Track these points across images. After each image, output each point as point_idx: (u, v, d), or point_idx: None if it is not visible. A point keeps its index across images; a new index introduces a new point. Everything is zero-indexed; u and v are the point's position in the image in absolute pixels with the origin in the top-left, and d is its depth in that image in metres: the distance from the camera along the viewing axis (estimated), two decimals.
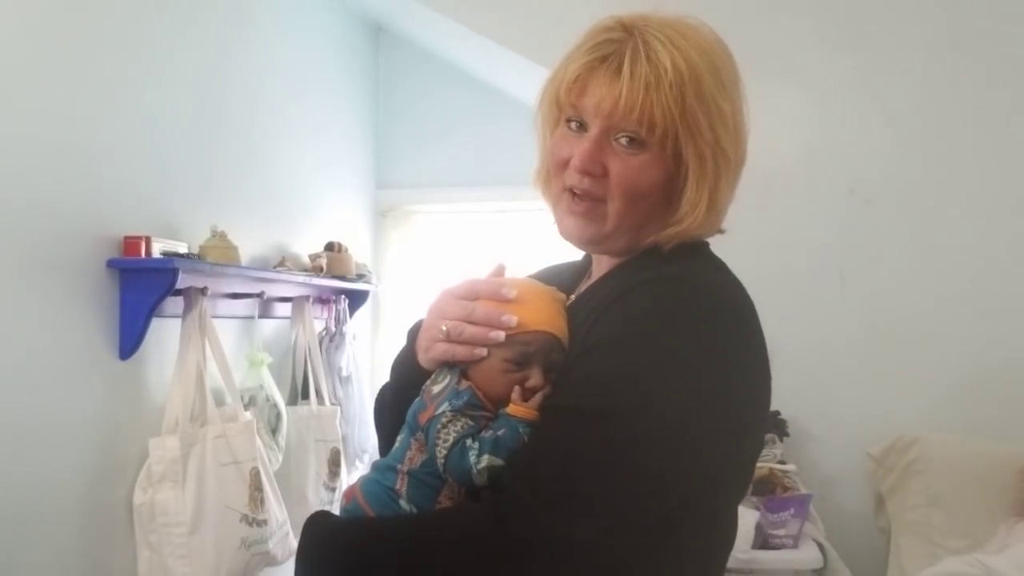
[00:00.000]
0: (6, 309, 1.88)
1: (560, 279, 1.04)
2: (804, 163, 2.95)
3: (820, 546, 2.28)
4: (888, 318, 2.89)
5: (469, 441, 0.86)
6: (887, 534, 2.73)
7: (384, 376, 1.07)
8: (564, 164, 0.94)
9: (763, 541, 2.20)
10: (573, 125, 0.94)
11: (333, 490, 2.95)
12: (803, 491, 2.38)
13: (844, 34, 2.95)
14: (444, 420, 0.88)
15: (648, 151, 0.90)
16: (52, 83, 2.01)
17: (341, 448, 3.03)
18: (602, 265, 1.01)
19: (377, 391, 1.10)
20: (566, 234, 0.96)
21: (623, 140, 0.90)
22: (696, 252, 0.96)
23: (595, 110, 0.91)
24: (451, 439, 0.86)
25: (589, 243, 0.96)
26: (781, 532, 2.22)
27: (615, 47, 0.91)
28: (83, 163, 2.09)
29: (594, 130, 0.91)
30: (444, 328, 0.92)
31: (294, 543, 2.51)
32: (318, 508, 2.84)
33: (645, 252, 0.95)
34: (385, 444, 1.02)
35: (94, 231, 2.12)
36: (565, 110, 0.94)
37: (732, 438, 0.88)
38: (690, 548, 0.90)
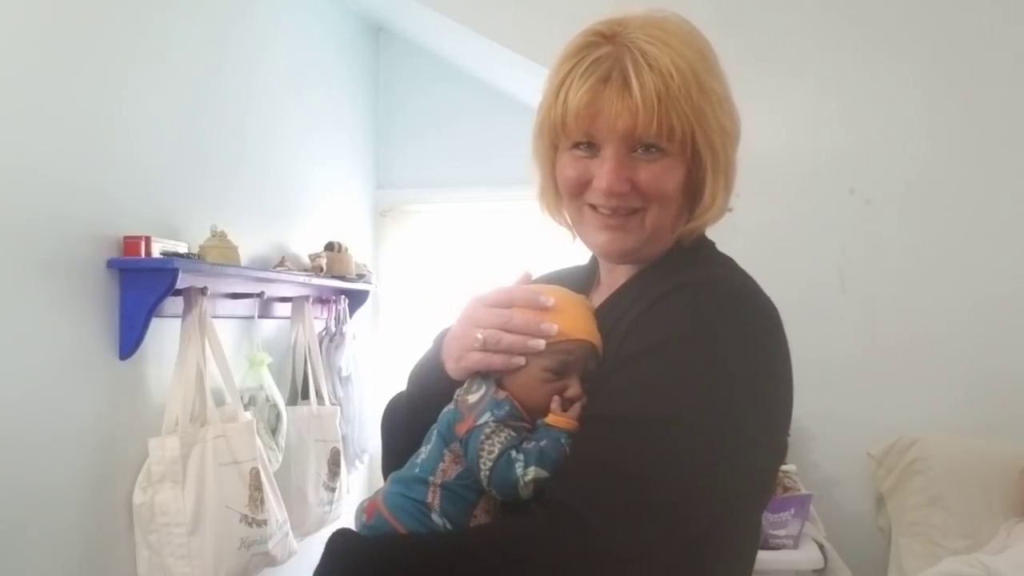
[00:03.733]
0: (6, 309, 1.88)
1: (567, 286, 1.00)
2: (804, 163, 2.95)
3: (820, 546, 2.28)
4: (888, 318, 2.89)
5: (514, 452, 0.84)
6: (887, 534, 2.73)
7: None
8: (580, 186, 0.92)
9: (763, 541, 2.20)
10: (581, 148, 0.92)
11: (333, 490, 2.95)
12: (803, 491, 2.38)
13: (844, 34, 2.95)
14: (488, 431, 0.85)
15: (668, 155, 0.90)
16: (51, 83, 2.00)
17: (341, 448, 3.02)
18: (616, 273, 0.99)
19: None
20: (601, 250, 0.95)
21: (640, 150, 0.90)
22: (712, 253, 0.97)
23: (611, 129, 0.88)
24: (496, 451, 0.84)
25: (626, 255, 0.94)
26: (781, 532, 2.22)
27: (610, 62, 0.89)
28: (83, 163, 2.09)
29: (611, 149, 0.89)
30: (480, 337, 0.89)
31: (294, 544, 2.51)
32: (318, 508, 2.86)
33: (665, 256, 0.94)
34: (394, 455, 0.98)
35: (94, 231, 2.12)
36: (572, 136, 0.92)
37: (772, 442, 0.89)
38: (733, 552, 0.90)
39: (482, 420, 0.86)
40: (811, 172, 2.95)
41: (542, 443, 0.84)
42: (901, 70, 2.91)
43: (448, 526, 0.86)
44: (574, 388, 0.88)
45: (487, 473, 0.84)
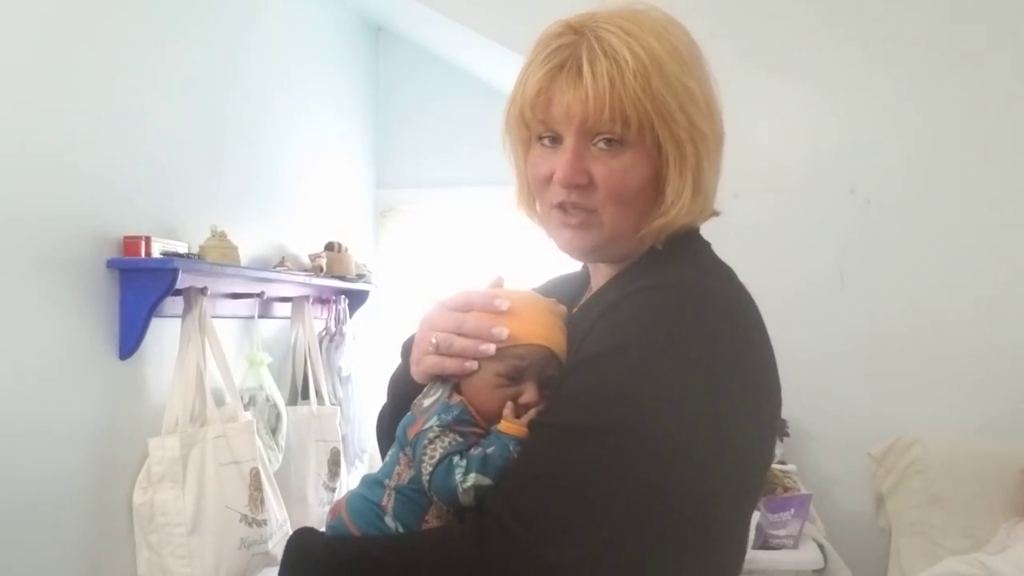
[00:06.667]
0: (6, 309, 1.88)
1: (563, 291, 1.00)
2: (804, 163, 2.95)
3: (820, 546, 2.28)
4: (888, 318, 2.89)
5: (456, 458, 0.82)
6: (887, 534, 2.74)
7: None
8: (547, 181, 0.91)
9: (763, 541, 2.20)
10: (547, 140, 0.90)
11: (333, 490, 2.95)
12: (803, 491, 2.38)
13: (844, 34, 2.95)
14: (431, 435, 0.84)
15: (629, 149, 0.87)
16: (52, 83, 2.00)
17: (341, 448, 3.03)
18: (600, 275, 0.97)
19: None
20: (565, 247, 0.93)
21: (601, 144, 0.87)
22: (696, 255, 0.93)
23: (566, 118, 0.87)
24: (437, 455, 0.83)
25: (589, 253, 0.93)
26: (781, 532, 2.21)
27: (569, 51, 0.87)
28: (83, 163, 2.09)
29: (570, 139, 0.88)
30: (434, 340, 0.88)
31: None
32: (318, 508, 2.86)
33: (643, 257, 0.92)
34: None
35: (94, 231, 2.12)
36: (534, 127, 0.91)
37: (730, 452, 0.82)
38: (690, 570, 0.86)
39: (428, 424, 0.85)
40: (811, 172, 2.95)
41: (488, 450, 0.82)
42: (901, 70, 2.92)
43: (400, 530, 0.86)
44: (529, 394, 0.85)
45: (427, 478, 0.83)
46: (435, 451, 0.83)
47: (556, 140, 0.90)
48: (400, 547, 0.84)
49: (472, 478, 0.81)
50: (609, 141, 0.87)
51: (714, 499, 0.83)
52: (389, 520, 0.86)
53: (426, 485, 0.83)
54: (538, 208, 0.96)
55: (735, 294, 0.88)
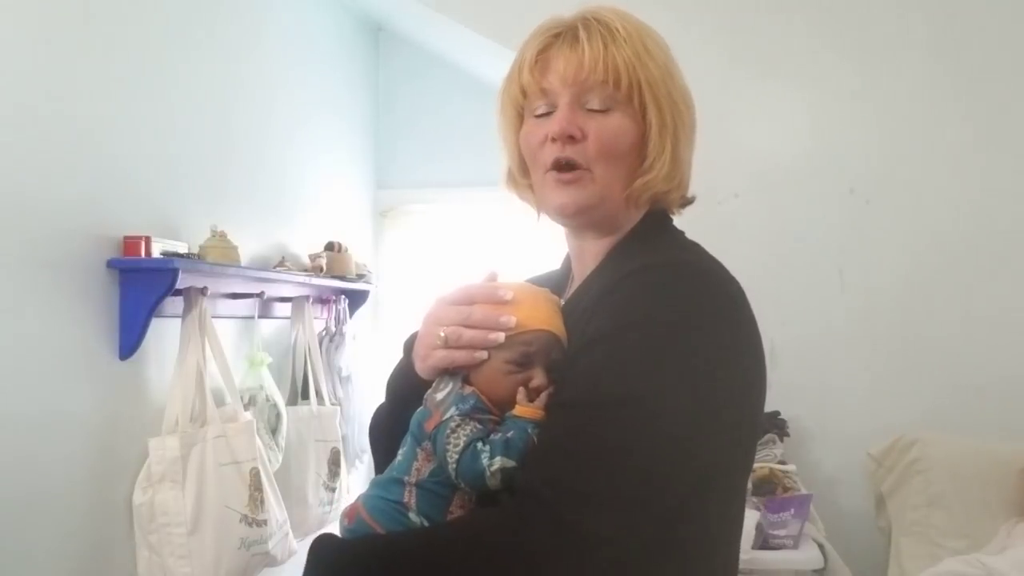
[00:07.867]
0: (6, 308, 1.88)
1: (546, 287, 1.03)
2: (804, 163, 2.95)
3: (820, 546, 2.28)
4: (888, 318, 2.89)
5: (480, 444, 0.85)
6: (887, 534, 2.73)
7: (384, 376, 1.05)
8: (540, 144, 0.95)
9: (763, 541, 2.20)
10: (540, 110, 0.96)
11: (333, 490, 2.95)
12: (803, 491, 2.38)
13: (844, 35, 2.95)
14: (453, 425, 0.86)
15: (618, 111, 0.93)
16: (53, 83, 2.01)
17: (341, 448, 3.03)
18: (586, 261, 1.00)
19: (377, 391, 1.08)
20: (558, 210, 0.96)
21: (594, 104, 0.93)
22: (673, 237, 0.98)
23: (561, 80, 0.93)
24: (461, 443, 0.85)
25: (581, 213, 0.96)
26: (781, 532, 2.21)
27: (564, 27, 0.96)
28: (84, 163, 2.09)
29: (564, 100, 0.93)
30: (442, 334, 0.91)
31: (294, 543, 2.51)
32: (318, 508, 2.86)
33: (624, 243, 0.96)
34: (383, 466, 0.99)
35: (94, 231, 2.12)
36: (531, 97, 0.96)
37: (739, 419, 0.88)
38: (708, 533, 0.90)
39: (447, 415, 0.87)
40: (811, 172, 2.95)
41: (508, 434, 0.85)
42: (901, 71, 2.92)
43: (426, 524, 0.87)
44: (539, 378, 0.88)
45: (454, 466, 0.85)
46: (459, 439, 0.85)
47: (549, 113, 0.95)
48: (438, 536, 0.86)
49: (498, 461, 0.83)
50: (602, 108, 0.93)
51: (727, 460, 0.89)
52: (413, 516, 0.87)
53: (453, 473, 0.85)
54: (532, 180, 1.00)
55: (717, 268, 0.93)
